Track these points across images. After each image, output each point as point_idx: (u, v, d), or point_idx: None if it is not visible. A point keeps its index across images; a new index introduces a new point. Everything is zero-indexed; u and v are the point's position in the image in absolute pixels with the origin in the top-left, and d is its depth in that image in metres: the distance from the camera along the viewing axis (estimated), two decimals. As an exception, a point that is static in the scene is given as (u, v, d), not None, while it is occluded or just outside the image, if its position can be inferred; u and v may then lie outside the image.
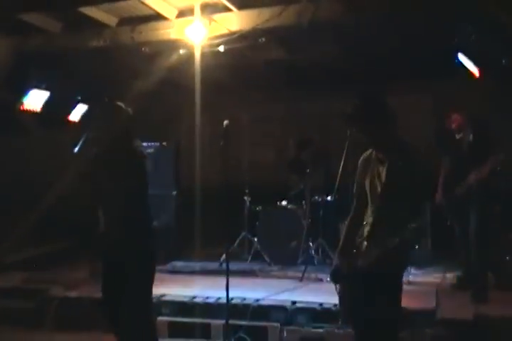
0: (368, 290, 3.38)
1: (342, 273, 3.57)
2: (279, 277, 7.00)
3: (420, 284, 6.40)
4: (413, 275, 6.55)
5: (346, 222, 3.70)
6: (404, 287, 5.84)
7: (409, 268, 6.51)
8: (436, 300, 5.65)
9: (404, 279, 6.19)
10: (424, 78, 8.13)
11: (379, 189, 3.43)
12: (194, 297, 6.00)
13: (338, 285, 3.68)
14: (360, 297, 3.42)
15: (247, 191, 7.92)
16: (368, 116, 3.45)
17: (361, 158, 3.69)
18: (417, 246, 6.78)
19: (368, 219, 3.52)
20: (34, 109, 7.84)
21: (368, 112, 3.46)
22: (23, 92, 7.62)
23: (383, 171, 3.43)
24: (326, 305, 5.51)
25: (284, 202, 7.87)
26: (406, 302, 5.38)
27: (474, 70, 6.68)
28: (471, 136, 5.84)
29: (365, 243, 3.45)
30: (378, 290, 3.36)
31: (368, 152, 3.67)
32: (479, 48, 6.43)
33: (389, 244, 3.25)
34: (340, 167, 6.86)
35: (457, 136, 6.00)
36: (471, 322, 5.09)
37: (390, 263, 3.34)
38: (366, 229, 3.51)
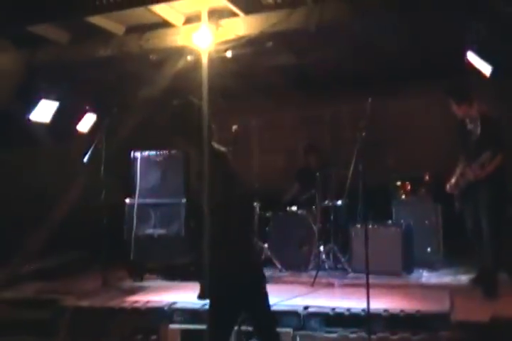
0: None
1: None
2: (290, 283, 6.96)
3: (433, 287, 6.36)
4: (426, 278, 6.52)
5: None
6: (418, 290, 5.97)
7: (421, 270, 6.51)
8: (450, 303, 5.60)
9: (417, 282, 6.32)
10: (435, 78, 8.06)
11: None
12: (205, 304, 5.96)
13: None
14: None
15: (256, 197, 7.90)
16: None
17: None
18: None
19: None
20: (43, 120, 7.85)
21: None
22: (33, 103, 7.65)
23: None
24: (338, 310, 5.46)
25: (294, 208, 7.85)
26: (420, 306, 5.46)
27: (485, 70, 6.61)
28: (479, 128, 5.80)
29: None
30: None
31: None
32: (491, 47, 6.37)
33: None
34: (350, 171, 6.90)
35: (469, 126, 5.96)
36: (487, 323, 5.04)
37: None
38: None
